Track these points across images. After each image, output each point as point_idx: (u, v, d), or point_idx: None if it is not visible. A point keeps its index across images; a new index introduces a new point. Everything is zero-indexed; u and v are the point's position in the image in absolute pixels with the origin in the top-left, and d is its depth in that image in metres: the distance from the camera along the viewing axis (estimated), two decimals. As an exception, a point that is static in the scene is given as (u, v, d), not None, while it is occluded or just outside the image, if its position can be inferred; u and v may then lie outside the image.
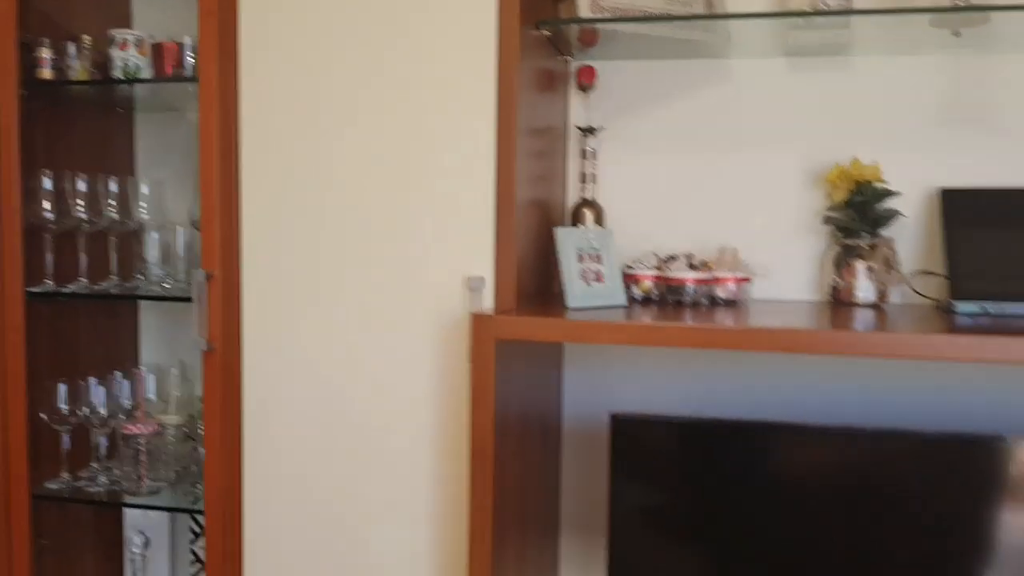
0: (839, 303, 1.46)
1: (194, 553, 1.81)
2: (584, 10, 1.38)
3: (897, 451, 1.28)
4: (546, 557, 1.62)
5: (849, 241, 1.44)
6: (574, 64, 1.59)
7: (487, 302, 1.35)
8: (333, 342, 1.43)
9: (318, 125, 1.40)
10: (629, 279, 1.45)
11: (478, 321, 1.23)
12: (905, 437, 1.28)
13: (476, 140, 1.35)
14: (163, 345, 1.85)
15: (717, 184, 1.56)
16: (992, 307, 1.30)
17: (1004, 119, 1.45)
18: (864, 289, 1.43)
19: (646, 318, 1.27)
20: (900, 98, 1.48)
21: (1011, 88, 1.44)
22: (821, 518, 1.31)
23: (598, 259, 1.39)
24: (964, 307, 1.31)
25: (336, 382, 1.44)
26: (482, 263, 1.36)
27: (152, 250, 1.65)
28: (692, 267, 1.45)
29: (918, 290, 1.47)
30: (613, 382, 1.62)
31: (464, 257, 1.37)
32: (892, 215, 1.42)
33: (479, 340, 1.23)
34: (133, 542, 1.76)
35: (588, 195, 1.56)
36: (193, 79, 1.51)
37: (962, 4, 1.25)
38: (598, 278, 1.38)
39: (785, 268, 1.54)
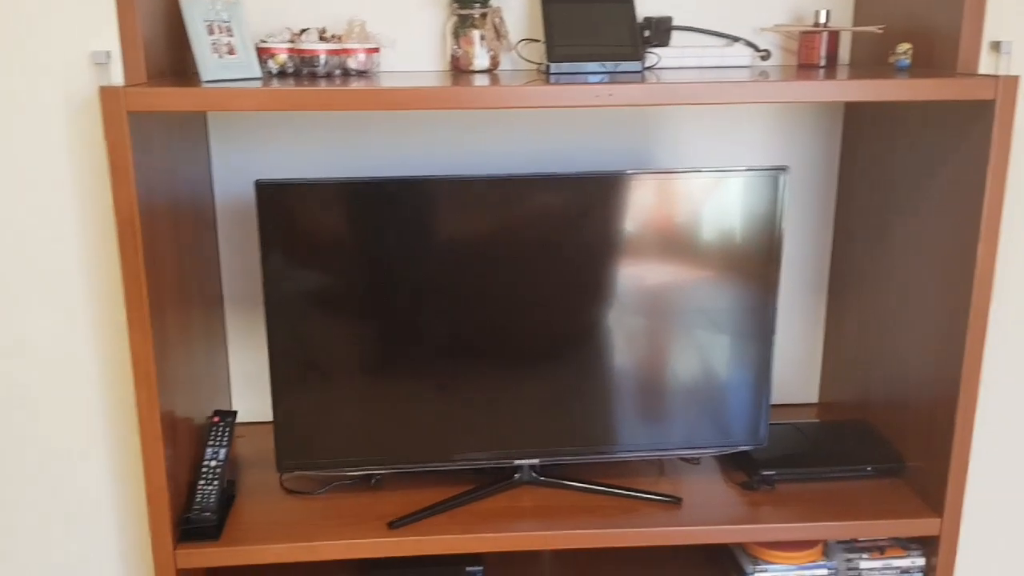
0: (458, 70, 1.62)
1: None
2: None
3: (534, 193, 1.49)
4: (213, 332, 1.72)
5: (463, 11, 1.58)
6: None
7: (117, 78, 1.34)
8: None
9: None
10: (264, 53, 1.50)
11: (107, 94, 1.23)
12: (539, 181, 1.49)
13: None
14: None
15: (345, -42, 1.62)
16: (577, 67, 1.53)
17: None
18: (479, 56, 1.60)
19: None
20: None
21: None
22: (468, 266, 1.49)
23: (229, 31, 1.42)
24: (556, 68, 1.52)
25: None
26: (108, 38, 1.33)
27: None
28: (323, 39, 1.52)
29: (523, 55, 1.67)
30: (261, 156, 1.69)
31: (88, 32, 1.33)
32: (500, -14, 1.59)
33: (110, 114, 1.24)
34: None
35: (216, -31, 1.55)
36: None
37: None
38: (231, 51, 1.41)
39: (411, 40, 1.66)
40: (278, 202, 1.44)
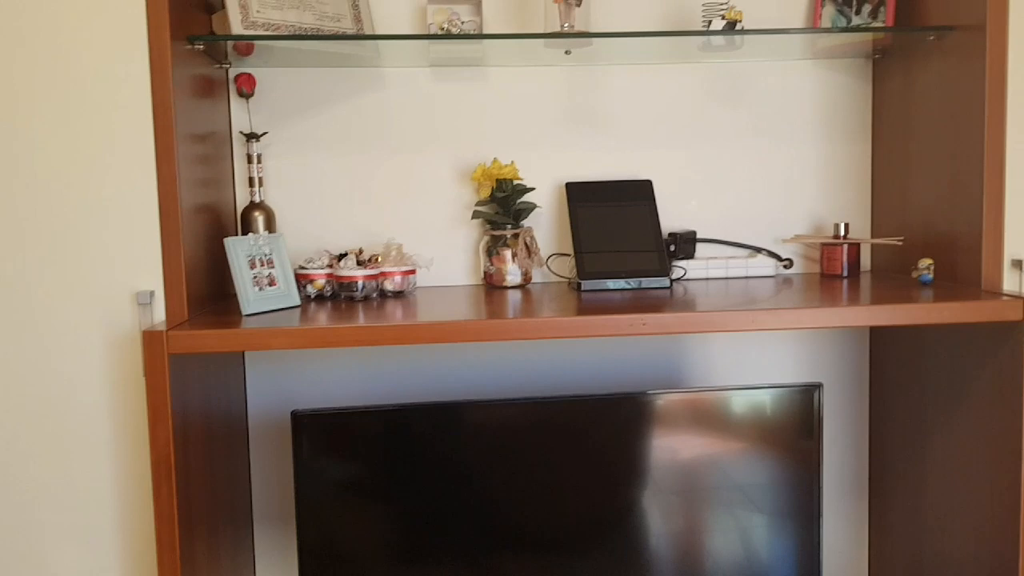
0: (492, 286, 1.66)
1: None
2: (236, 25, 1.42)
3: (562, 414, 1.50)
4: (241, 550, 1.68)
5: (496, 232, 1.64)
6: (233, 71, 1.62)
7: (159, 314, 1.37)
8: (-8, 368, 1.37)
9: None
10: (303, 279, 1.54)
11: (149, 338, 1.26)
12: (565, 402, 1.51)
13: (134, 151, 1.36)
14: None
15: (380, 183, 1.69)
16: (607, 284, 1.56)
17: (608, 120, 1.72)
18: (512, 273, 1.64)
19: (320, 315, 1.37)
20: (529, 103, 1.70)
21: (612, 94, 1.71)
22: (493, 484, 1.49)
23: (270, 263, 1.46)
24: (587, 285, 1.56)
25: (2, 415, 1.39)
26: (151, 274, 1.37)
27: None
28: (361, 263, 1.57)
29: (554, 271, 1.71)
30: (296, 376, 1.71)
31: (133, 270, 1.37)
32: (530, 208, 1.64)
33: (151, 357, 1.26)
34: None
35: (257, 198, 1.61)
36: None
37: (568, 31, 1.48)
38: (271, 282, 1.45)
39: (446, 258, 1.71)
40: (311, 429, 1.44)
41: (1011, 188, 1.44)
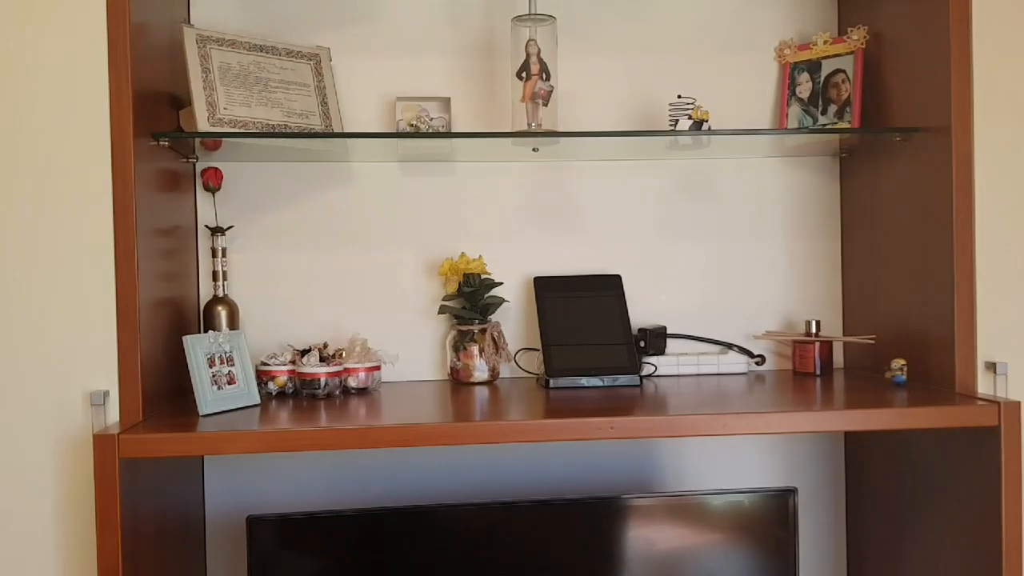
0: (459, 382, 1.62)
1: None
2: (203, 122, 1.41)
3: (533, 517, 1.45)
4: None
5: (463, 327, 1.61)
6: (200, 166, 1.61)
7: (113, 414, 1.32)
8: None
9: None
10: (264, 375, 1.50)
11: (100, 442, 1.21)
12: (536, 505, 1.47)
13: (93, 247, 1.33)
14: None
15: (347, 276, 1.67)
16: (576, 381, 1.53)
17: (577, 215, 1.71)
18: (479, 369, 1.61)
19: (280, 415, 1.33)
20: (498, 198, 1.70)
21: (580, 190, 1.71)
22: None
23: (230, 361, 1.42)
24: (555, 382, 1.53)
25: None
26: (107, 373, 1.33)
27: None
28: (324, 359, 1.53)
29: (522, 366, 1.68)
30: (256, 474, 1.65)
31: (87, 368, 1.33)
32: (498, 302, 1.62)
33: (102, 462, 1.21)
34: None
35: (220, 292, 1.58)
36: None
37: (536, 129, 1.48)
38: (231, 380, 1.41)
39: (411, 353, 1.68)
40: (269, 535, 1.39)
41: (982, 288, 1.43)
